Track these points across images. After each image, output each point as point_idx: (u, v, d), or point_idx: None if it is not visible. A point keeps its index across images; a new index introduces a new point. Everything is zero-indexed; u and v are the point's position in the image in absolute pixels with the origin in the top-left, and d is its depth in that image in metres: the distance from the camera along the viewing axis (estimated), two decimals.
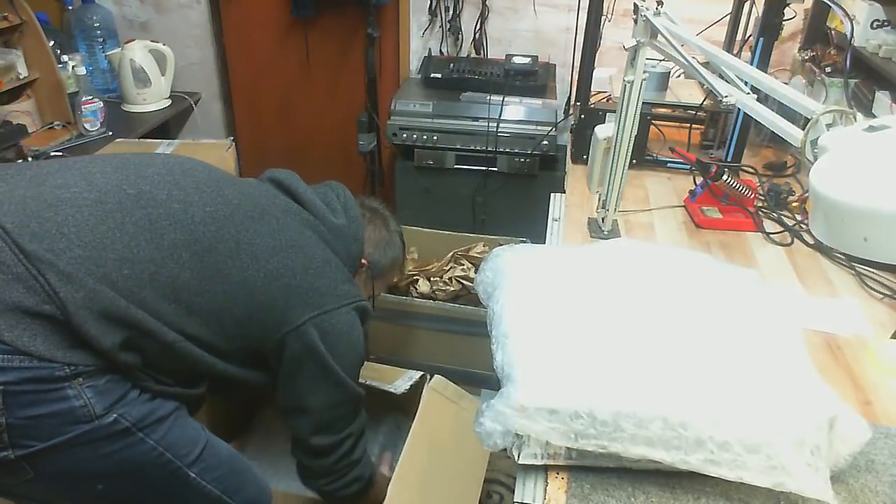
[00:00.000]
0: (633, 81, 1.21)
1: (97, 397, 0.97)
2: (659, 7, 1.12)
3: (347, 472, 1.26)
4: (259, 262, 1.09)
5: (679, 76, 2.05)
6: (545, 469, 0.83)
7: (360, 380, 1.40)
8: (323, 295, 1.15)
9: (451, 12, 2.60)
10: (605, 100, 1.99)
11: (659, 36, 1.12)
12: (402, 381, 1.63)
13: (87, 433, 0.96)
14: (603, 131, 1.31)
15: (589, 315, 0.92)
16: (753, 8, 1.81)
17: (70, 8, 2.64)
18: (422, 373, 1.66)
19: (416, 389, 1.57)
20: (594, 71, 1.71)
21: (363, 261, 1.32)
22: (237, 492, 1.16)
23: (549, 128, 2.26)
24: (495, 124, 2.28)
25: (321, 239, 1.20)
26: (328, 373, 1.15)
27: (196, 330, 1.05)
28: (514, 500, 0.81)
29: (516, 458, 0.82)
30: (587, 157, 1.42)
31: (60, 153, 2.13)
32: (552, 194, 1.61)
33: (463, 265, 2.11)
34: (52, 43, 2.30)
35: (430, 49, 2.68)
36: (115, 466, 1.01)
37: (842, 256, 1.34)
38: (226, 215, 1.09)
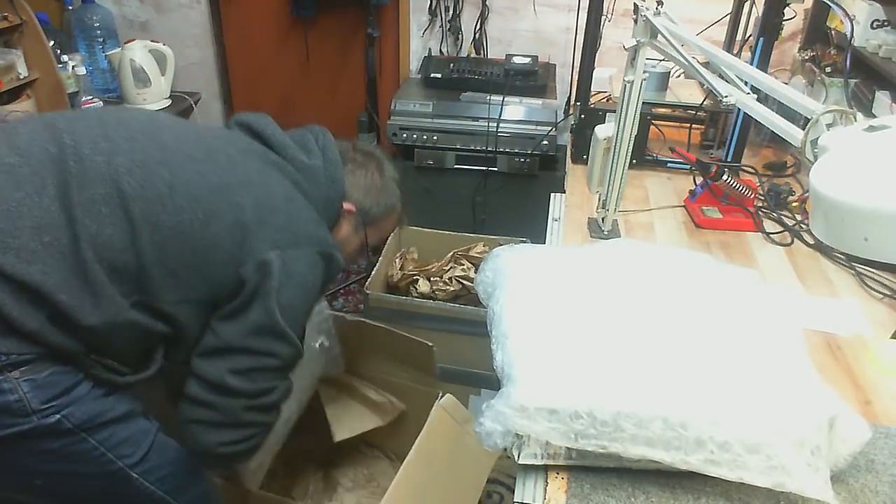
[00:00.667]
0: (633, 81, 1.21)
1: (35, 391, 0.92)
2: (659, 7, 1.12)
3: (254, 433, 1.08)
4: (198, 203, 1.00)
5: (679, 76, 2.05)
6: (545, 469, 0.83)
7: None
8: (280, 231, 1.05)
9: (451, 12, 2.60)
10: (605, 100, 1.99)
11: (659, 36, 1.12)
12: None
13: (27, 430, 0.93)
14: (603, 131, 1.31)
15: (589, 315, 0.92)
16: (753, 8, 1.81)
17: (70, 8, 2.64)
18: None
19: (426, 403, 1.52)
20: (594, 71, 1.71)
21: (349, 206, 1.22)
22: (182, 492, 1.11)
23: (549, 128, 2.26)
24: (495, 124, 2.28)
25: (287, 178, 1.11)
26: (269, 316, 1.02)
27: (125, 288, 0.97)
28: (514, 500, 0.81)
29: (516, 458, 0.82)
30: (587, 157, 1.42)
31: None
32: (552, 194, 1.61)
33: (463, 265, 2.10)
34: (52, 43, 2.30)
35: (430, 49, 2.68)
36: (54, 463, 0.98)
37: (842, 256, 1.34)
38: (158, 161, 1.01)
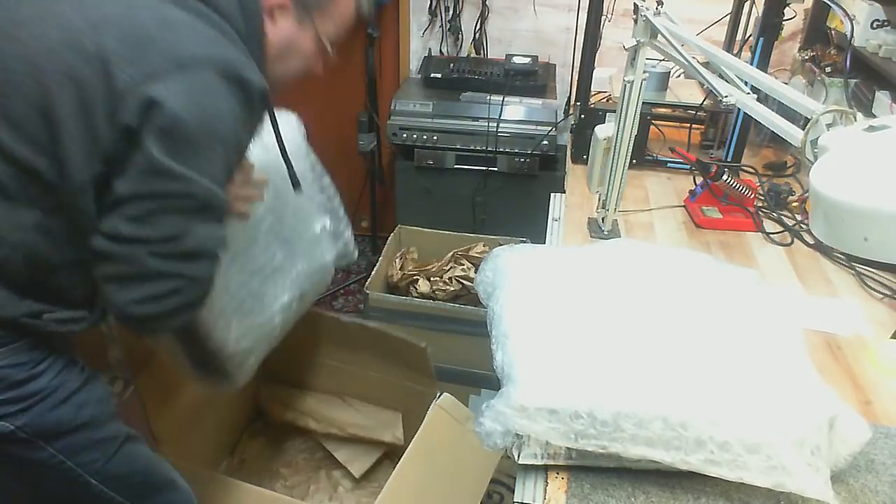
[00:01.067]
0: (633, 81, 1.21)
1: None
2: (659, 7, 1.12)
3: (174, 286, 0.90)
4: (41, 70, 0.83)
5: (679, 76, 2.05)
6: (545, 469, 0.83)
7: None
8: (155, 62, 0.85)
9: (451, 12, 2.60)
10: (605, 100, 1.99)
11: (659, 36, 1.12)
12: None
13: None
14: (603, 131, 1.32)
15: (589, 315, 0.92)
16: (753, 8, 1.81)
17: None
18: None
19: (425, 404, 1.52)
20: (594, 71, 1.71)
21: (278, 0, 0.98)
22: (145, 499, 1.05)
23: (549, 128, 2.26)
24: (495, 124, 2.28)
25: (166, 2, 0.91)
26: (147, 157, 0.84)
27: (23, 201, 0.85)
28: (514, 500, 0.81)
29: (516, 458, 0.82)
30: (587, 157, 1.42)
31: None
32: (552, 194, 1.61)
33: (463, 265, 2.11)
34: None
35: (430, 49, 2.68)
36: (11, 466, 0.94)
37: (842, 256, 1.34)
38: None
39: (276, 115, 0.99)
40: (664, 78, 1.92)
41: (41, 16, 0.86)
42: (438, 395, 1.50)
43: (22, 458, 0.93)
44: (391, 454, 1.83)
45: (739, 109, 1.49)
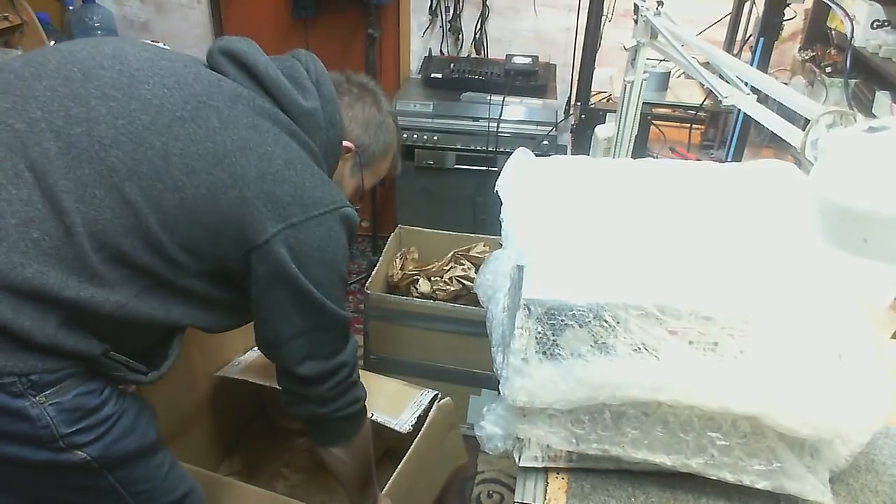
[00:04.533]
0: (633, 81, 1.21)
1: (61, 416, 0.86)
2: (659, 7, 1.12)
3: (343, 393, 1.07)
4: (198, 176, 0.87)
5: (679, 76, 2.05)
6: (545, 469, 0.83)
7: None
8: (287, 205, 0.92)
9: (451, 12, 2.60)
10: (605, 100, 1.99)
11: (659, 36, 1.12)
12: (408, 413, 1.55)
13: (50, 462, 0.87)
14: (603, 131, 1.32)
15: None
16: (753, 8, 1.81)
17: (70, 8, 2.64)
18: (433, 394, 1.58)
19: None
20: (594, 71, 1.71)
21: (347, 145, 1.09)
22: None
23: (550, 128, 2.26)
24: (495, 124, 2.28)
25: (284, 132, 0.96)
26: (302, 296, 0.94)
27: (133, 272, 0.87)
28: (515, 500, 0.81)
29: (517, 460, 0.82)
30: None
31: None
32: None
33: (463, 265, 2.10)
34: (52, 43, 2.30)
35: (430, 49, 2.68)
36: (69, 492, 0.95)
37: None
38: (145, 125, 0.86)
39: None
40: (664, 78, 1.92)
41: (193, 119, 0.89)
42: (439, 397, 1.50)
43: (81, 486, 0.93)
44: (391, 454, 1.83)
45: (739, 110, 1.49)
